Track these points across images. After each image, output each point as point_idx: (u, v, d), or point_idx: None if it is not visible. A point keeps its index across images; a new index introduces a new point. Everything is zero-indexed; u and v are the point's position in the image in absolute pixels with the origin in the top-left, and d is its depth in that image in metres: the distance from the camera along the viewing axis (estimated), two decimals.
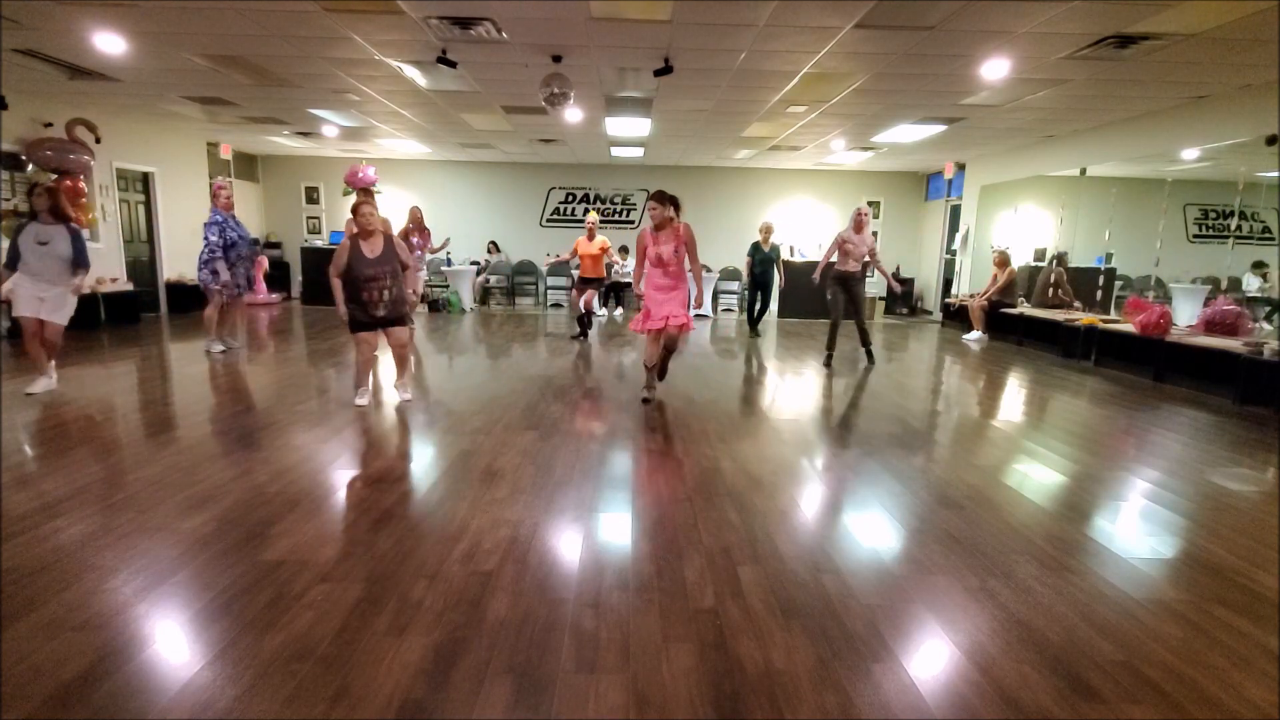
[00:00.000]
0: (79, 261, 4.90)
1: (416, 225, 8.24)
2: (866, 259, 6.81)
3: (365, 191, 6.59)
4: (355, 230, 4.58)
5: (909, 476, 3.61)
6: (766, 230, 9.44)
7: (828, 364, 6.86)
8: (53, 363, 4.99)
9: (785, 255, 10.76)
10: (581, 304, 8.49)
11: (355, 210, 4.52)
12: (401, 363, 4.94)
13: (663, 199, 4.73)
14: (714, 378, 6.23)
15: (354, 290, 4.52)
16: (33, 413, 4.42)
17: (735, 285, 12.51)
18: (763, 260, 9.34)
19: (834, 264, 6.83)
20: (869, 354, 7.05)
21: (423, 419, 4.55)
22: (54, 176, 7.79)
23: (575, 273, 11.43)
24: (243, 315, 6.95)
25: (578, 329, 8.57)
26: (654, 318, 4.84)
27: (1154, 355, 6.55)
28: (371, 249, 4.51)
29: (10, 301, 4.82)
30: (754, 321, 9.59)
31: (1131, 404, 5.58)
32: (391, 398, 5.03)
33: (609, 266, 11.59)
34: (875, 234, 8.16)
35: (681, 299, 4.89)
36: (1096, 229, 9.07)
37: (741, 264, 12.39)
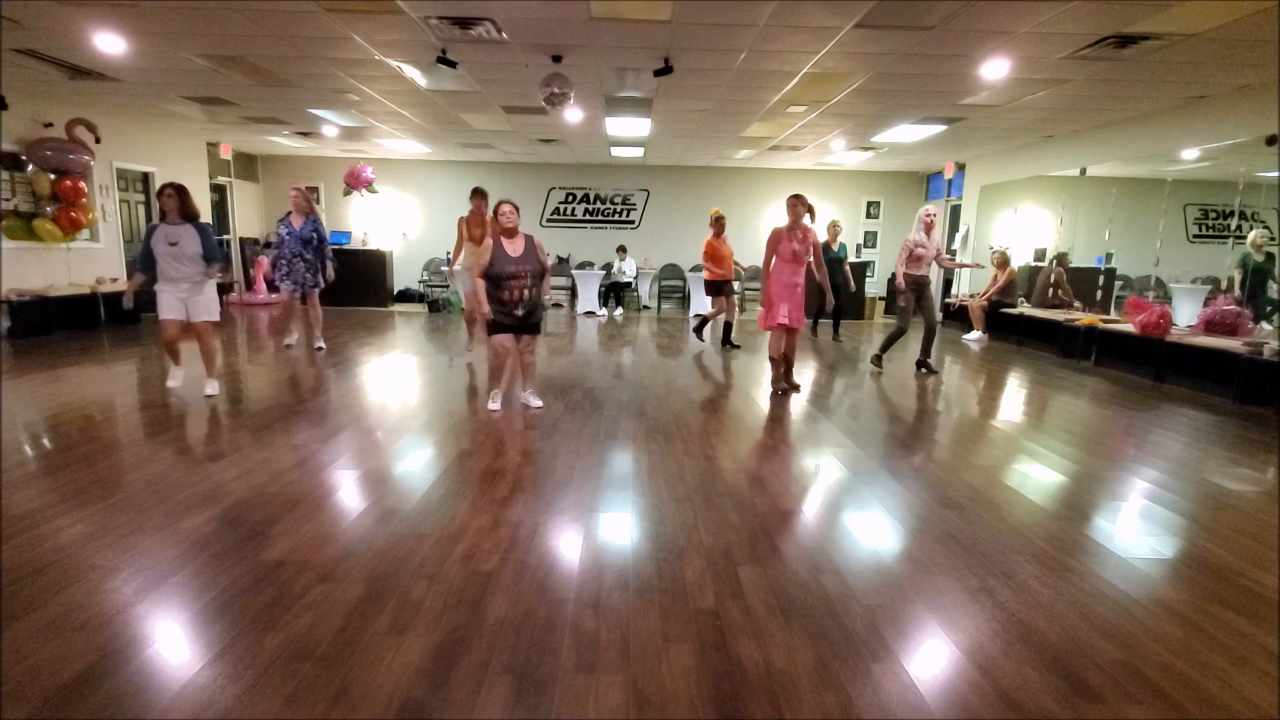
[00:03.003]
0: (210, 255, 4.87)
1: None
2: (934, 259, 6.57)
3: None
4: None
5: (909, 476, 3.61)
6: (834, 229, 9.11)
7: (877, 363, 6.77)
8: (214, 365, 5.12)
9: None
10: (731, 313, 7.98)
11: (496, 209, 4.57)
12: (527, 369, 4.94)
13: (802, 199, 5.20)
14: (716, 377, 6.23)
15: (494, 289, 4.54)
16: (34, 412, 4.42)
17: (735, 285, 12.47)
18: (831, 261, 8.88)
19: (907, 271, 6.50)
20: (928, 365, 6.63)
21: (423, 419, 4.55)
22: (53, 176, 7.79)
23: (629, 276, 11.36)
24: (281, 312, 7.25)
25: (724, 338, 7.99)
26: (780, 314, 5.26)
27: (1154, 355, 6.55)
28: (514, 248, 4.52)
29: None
30: (835, 327, 9.25)
31: (1131, 404, 5.58)
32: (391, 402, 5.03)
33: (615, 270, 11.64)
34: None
35: (800, 299, 5.30)
36: (1096, 229, 9.07)
37: (745, 264, 12.43)
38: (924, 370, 6.66)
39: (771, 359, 5.46)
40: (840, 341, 8.90)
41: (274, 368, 6.19)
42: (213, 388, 5.01)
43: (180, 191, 4.76)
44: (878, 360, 6.81)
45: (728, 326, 8.06)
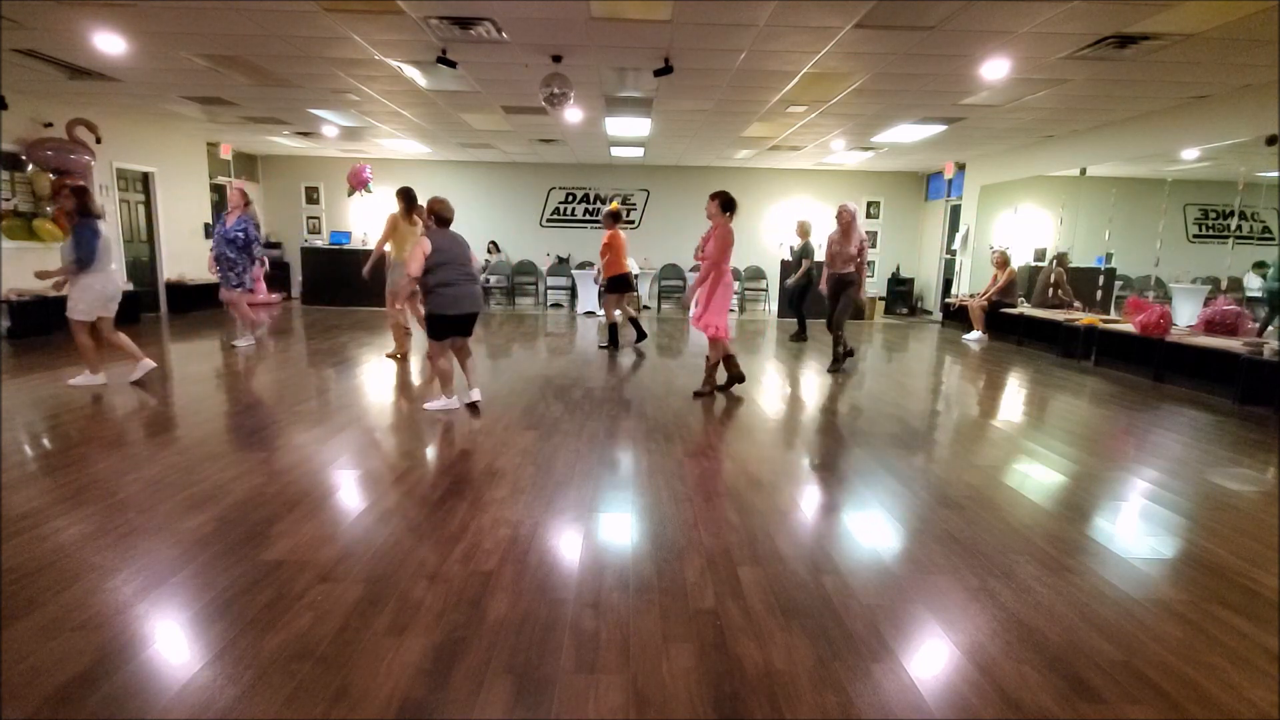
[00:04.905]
0: (74, 257, 4.93)
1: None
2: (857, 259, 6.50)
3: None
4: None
5: (909, 476, 3.61)
6: (802, 228, 9.08)
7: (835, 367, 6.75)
8: (89, 359, 5.17)
9: (784, 255, 10.67)
10: (613, 313, 7.63)
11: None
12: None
13: (712, 196, 5.18)
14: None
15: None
16: (35, 412, 4.42)
17: (735, 285, 12.51)
18: (799, 260, 9.09)
19: (831, 270, 6.69)
20: (837, 359, 6.67)
21: (423, 419, 4.55)
22: (53, 176, 7.79)
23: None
24: (240, 311, 7.27)
25: (610, 338, 7.70)
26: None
27: (1154, 355, 6.55)
28: None
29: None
30: (802, 328, 9.23)
31: (1131, 404, 5.58)
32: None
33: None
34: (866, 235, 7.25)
35: (705, 297, 5.18)
36: (1096, 229, 9.07)
37: (743, 265, 12.46)
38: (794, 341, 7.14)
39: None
40: (799, 340, 8.85)
41: (262, 367, 6.19)
42: (82, 379, 5.13)
43: (78, 192, 4.99)
44: (838, 359, 6.69)
45: (613, 328, 7.69)
